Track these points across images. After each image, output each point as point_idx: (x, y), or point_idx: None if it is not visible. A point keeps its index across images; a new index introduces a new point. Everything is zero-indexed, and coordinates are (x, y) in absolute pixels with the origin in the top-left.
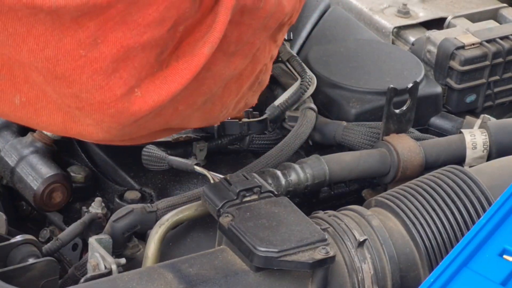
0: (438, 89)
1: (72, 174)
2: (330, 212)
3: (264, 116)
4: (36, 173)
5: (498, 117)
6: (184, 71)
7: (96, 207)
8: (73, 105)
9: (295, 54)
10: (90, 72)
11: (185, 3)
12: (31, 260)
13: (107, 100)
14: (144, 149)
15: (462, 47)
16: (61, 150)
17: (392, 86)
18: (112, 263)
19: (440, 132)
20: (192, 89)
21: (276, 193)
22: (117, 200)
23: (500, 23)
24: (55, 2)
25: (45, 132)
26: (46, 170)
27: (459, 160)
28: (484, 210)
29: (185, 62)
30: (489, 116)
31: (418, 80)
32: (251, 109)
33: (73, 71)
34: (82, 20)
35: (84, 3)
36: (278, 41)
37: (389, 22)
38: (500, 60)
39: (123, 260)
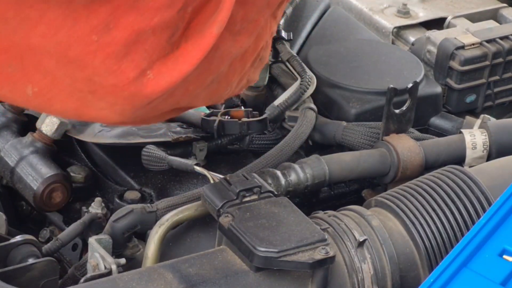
0: (438, 89)
1: (72, 174)
2: (330, 212)
3: (264, 116)
4: (36, 173)
5: (498, 117)
6: (194, 52)
7: (96, 207)
8: (85, 89)
9: (295, 54)
10: (102, 57)
11: None
12: (31, 260)
13: (120, 84)
14: (144, 149)
15: (462, 47)
16: (61, 150)
17: (392, 86)
18: (112, 263)
19: (440, 132)
20: (202, 69)
21: (276, 193)
22: (117, 200)
23: (500, 23)
24: None
25: (45, 132)
26: (46, 170)
27: (459, 160)
28: (484, 210)
29: (195, 43)
30: (489, 116)
31: (418, 80)
32: (250, 109)
33: (85, 56)
34: (94, 5)
35: None
36: (278, 17)
37: (389, 22)
38: (500, 60)
39: (123, 260)
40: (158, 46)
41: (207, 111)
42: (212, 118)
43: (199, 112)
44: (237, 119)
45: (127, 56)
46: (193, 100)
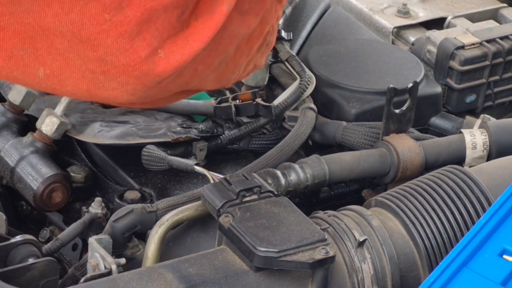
0: (438, 89)
1: (72, 174)
2: (330, 212)
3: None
4: (36, 173)
5: (498, 117)
6: (204, 30)
7: (96, 207)
8: (97, 70)
9: (294, 54)
10: (115, 36)
11: None
12: (31, 260)
13: (132, 63)
14: (144, 149)
15: (462, 47)
16: (61, 150)
17: (392, 86)
18: (112, 263)
19: (440, 132)
20: (210, 49)
21: (276, 193)
22: (117, 200)
23: (500, 23)
24: None
25: (45, 132)
26: (46, 170)
27: (459, 160)
28: (484, 210)
29: (205, 21)
30: (489, 116)
31: (418, 80)
32: (256, 89)
33: (98, 35)
34: None
35: None
36: (283, 1)
37: (389, 22)
38: (500, 60)
39: (123, 260)
40: (169, 24)
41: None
42: (225, 104)
43: (209, 101)
44: (250, 101)
45: (139, 35)
46: (202, 82)
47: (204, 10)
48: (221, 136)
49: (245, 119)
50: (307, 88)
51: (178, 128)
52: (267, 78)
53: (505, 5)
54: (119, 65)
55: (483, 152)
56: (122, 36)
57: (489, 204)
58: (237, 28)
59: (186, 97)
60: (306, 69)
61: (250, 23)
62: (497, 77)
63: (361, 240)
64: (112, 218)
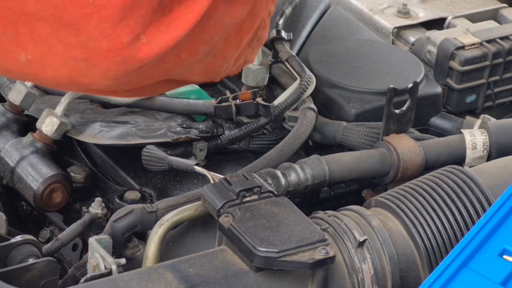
0: (438, 89)
1: (72, 174)
2: (330, 212)
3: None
4: (36, 173)
5: (498, 117)
6: (187, 16)
7: (96, 207)
8: (79, 57)
9: (294, 54)
10: (97, 20)
11: None
12: (31, 260)
13: (114, 48)
14: (144, 149)
15: (462, 47)
16: (61, 150)
17: (392, 86)
18: (112, 263)
19: (440, 132)
20: (194, 36)
21: (276, 193)
22: (117, 200)
23: (500, 23)
24: None
25: (45, 132)
26: (46, 170)
27: (459, 160)
28: (484, 210)
29: (188, 7)
30: (489, 116)
31: (418, 80)
32: (256, 89)
33: (80, 19)
34: None
35: None
36: None
37: (389, 22)
38: (500, 60)
39: (123, 260)
40: (152, 10)
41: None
42: (225, 104)
43: (209, 101)
44: (250, 100)
45: (123, 20)
46: (187, 71)
47: None
48: (221, 136)
49: (245, 119)
50: (307, 88)
51: (178, 128)
52: (267, 78)
53: (505, 5)
54: (101, 51)
55: (483, 152)
56: (105, 20)
57: (489, 204)
58: (223, 16)
59: (172, 88)
60: (306, 69)
61: (236, 12)
62: (497, 77)
63: (361, 240)
64: (112, 218)
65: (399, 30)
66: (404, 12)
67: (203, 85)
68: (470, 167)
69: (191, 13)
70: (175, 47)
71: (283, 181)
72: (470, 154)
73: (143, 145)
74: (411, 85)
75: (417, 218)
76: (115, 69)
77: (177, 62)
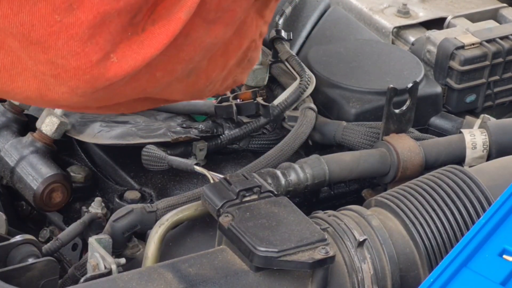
0: (438, 89)
1: (72, 174)
2: (330, 212)
3: (269, 104)
4: (36, 173)
5: (498, 117)
6: (160, 36)
7: (96, 207)
8: (48, 73)
9: (294, 54)
10: (66, 38)
11: None
12: (31, 260)
13: (83, 66)
14: (144, 149)
15: (462, 47)
16: (61, 150)
17: (392, 86)
18: (112, 263)
19: (440, 132)
20: (169, 55)
21: (276, 193)
22: (117, 200)
23: (500, 23)
24: None
25: (45, 132)
26: (46, 170)
27: (459, 160)
28: (484, 210)
29: (162, 27)
30: (489, 116)
31: (418, 80)
32: (256, 88)
33: (48, 37)
34: None
35: None
36: (266, 17)
37: (389, 22)
38: (500, 60)
39: (123, 260)
40: (122, 28)
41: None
42: (226, 103)
43: (210, 101)
44: (251, 100)
45: (92, 39)
46: (165, 91)
47: (162, 15)
48: (221, 136)
49: (245, 119)
50: (307, 88)
51: (178, 128)
52: (267, 78)
53: (505, 5)
54: (70, 69)
55: (483, 152)
56: (73, 38)
57: (489, 204)
58: (202, 36)
59: (152, 107)
60: (306, 69)
61: (218, 32)
62: (497, 77)
63: (361, 240)
64: (112, 218)
65: (399, 30)
66: (404, 12)
67: None
68: (470, 167)
69: (165, 33)
70: (149, 66)
71: (283, 181)
72: (470, 154)
73: (143, 145)
74: (411, 85)
75: (417, 218)
76: (84, 86)
77: (152, 81)
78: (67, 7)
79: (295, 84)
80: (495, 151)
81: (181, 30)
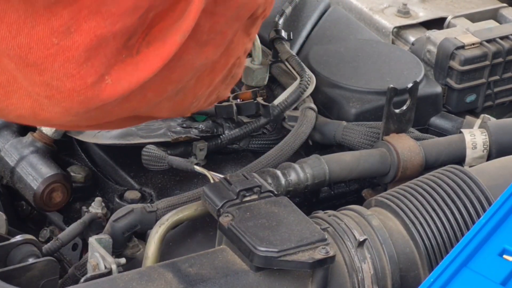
0: (438, 89)
1: (72, 174)
2: (330, 212)
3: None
4: (36, 173)
5: (498, 117)
6: (155, 58)
7: (96, 207)
8: (42, 94)
9: (294, 54)
10: (62, 60)
11: None
12: (31, 260)
13: (78, 88)
14: (144, 149)
15: (462, 47)
16: (61, 150)
17: (392, 86)
18: (112, 263)
19: (440, 132)
20: (162, 77)
21: (276, 193)
22: (117, 200)
23: (500, 23)
24: None
25: (45, 131)
26: (46, 170)
27: (459, 160)
28: (484, 210)
29: (156, 49)
30: (489, 116)
31: (418, 80)
32: (256, 88)
33: (45, 59)
34: (56, 8)
35: None
36: (252, 34)
37: (389, 22)
38: (500, 60)
39: (123, 260)
40: (117, 51)
41: None
42: (226, 103)
43: None
44: (251, 100)
45: (88, 61)
46: (154, 109)
47: (157, 37)
48: (221, 136)
49: (245, 119)
50: (307, 88)
51: (178, 128)
52: (267, 78)
53: (505, 5)
54: (64, 90)
55: (483, 152)
56: (70, 61)
57: (489, 204)
58: (194, 58)
59: (138, 124)
60: (306, 69)
61: (209, 54)
62: (497, 77)
63: (361, 240)
64: (112, 218)
65: (399, 30)
66: (404, 11)
67: None
68: (470, 166)
69: (159, 56)
70: (141, 87)
71: (283, 180)
72: (470, 154)
73: (143, 145)
74: (411, 84)
75: (417, 218)
76: (77, 107)
77: (143, 101)
78: (65, 30)
79: (295, 84)
80: (495, 151)
81: (175, 53)
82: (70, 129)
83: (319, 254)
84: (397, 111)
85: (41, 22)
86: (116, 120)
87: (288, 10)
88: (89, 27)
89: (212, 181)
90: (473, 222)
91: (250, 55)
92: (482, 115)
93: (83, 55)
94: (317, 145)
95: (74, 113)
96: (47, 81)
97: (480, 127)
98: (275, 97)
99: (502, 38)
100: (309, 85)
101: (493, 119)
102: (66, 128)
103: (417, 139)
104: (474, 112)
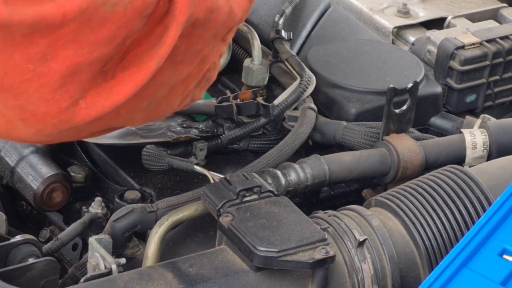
0: (438, 89)
1: (72, 174)
2: (330, 212)
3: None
4: (36, 173)
5: (498, 117)
6: (129, 84)
7: (96, 207)
8: (16, 116)
9: (294, 54)
10: (37, 86)
11: (136, 21)
12: (31, 260)
13: (52, 112)
14: (144, 149)
15: (462, 47)
16: (61, 150)
17: (392, 86)
18: (112, 263)
19: (440, 132)
20: (136, 96)
21: (276, 193)
22: (117, 200)
23: (500, 23)
24: (10, 18)
25: None
26: (46, 170)
27: (459, 160)
28: (484, 210)
29: (131, 74)
30: (489, 116)
31: (418, 80)
32: (256, 88)
33: (20, 84)
34: (33, 37)
35: (37, 21)
36: (228, 40)
37: (389, 22)
38: (500, 60)
39: (123, 260)
40: (92, 76)
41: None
42: (226, 103)
43: (210, 100)
44: (251, 100)
45: (62, 87)
46: (127, 121)
47: (133, 62)
48: (221, 136)
49: (245, 119)
50: (307, 88)
51: (178, 128)
52: (267, 78)
53: (505, 5)
54: (39, 114)
55: (483, 152)
56: (45, 86)
57: (489, 204)
58: (169, 77)
59: (109, 132)
60: (306, 69)
61: (183, 71)
62: (497, 77)
63: (361, 240)
64: (112, 218)
65: (399, 30)
66: (404, 11)
67: None
68: (470, 166)
69: (134, 81)
70: (115, 108)
71: (283, 180)
72: (470, 154)
73: (143, 145)
74: (411, 84)
75: (417, 218)
76: (50, 129)
77: (116, 117)
78: (41, 58)
79: (295, 84)
80: (495, 151)
81: (150, 78)
82: (41, 143)
83: (319, 254)
84: (397, 111)
85: (18, 50)
86: (89, 134)
87: (288, 10)
88: (65, 55)
89: (212, 181)
90: (473, 222)
91: (250, 55)
92: (482, 115)
93: (58, 81)
94: (317, 145)
95: (47, 134)
96: (21, 105)
97: (480, 127)
98: (275, 97)
99: (502, 38)
100: (309, 85)
101: (493, 119)
102: (38, 143)
103: (417, 139)
104: (474, 112)
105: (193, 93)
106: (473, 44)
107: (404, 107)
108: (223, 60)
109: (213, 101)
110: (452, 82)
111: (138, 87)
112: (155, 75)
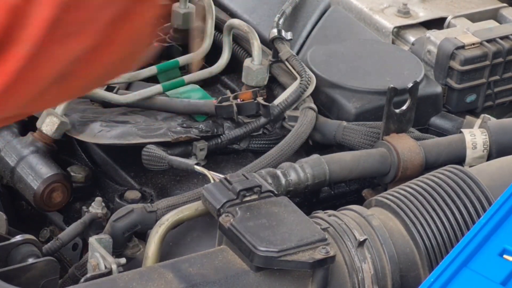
0: (438, 89)
1: (72, 174)
2: (330, 212)
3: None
4: (36, 173)
5: (498, 117)
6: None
7: (96, 207)
8: None
9: (294, 54)
10: None
11: None
12: (31, 260)
13: None
14: (144, 149)
15: (462, 47)
16: (61, 150)
17: (392, 85)
18: (112, 263)
19: (440, 132)
20: (23, 78)
21: (276, 193)
22: (117, 200)
23: (500, 23)
24: None
25: (45, 131)
26: (46, 170)
27: (459, 160)
28: (484, 210)
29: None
30: (489, 116)
31: (418, 80)
32: (257, 88)
33: None
34: None
35: None
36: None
37: (389, 22)
38: (500, 60)
39: (123, 260)
40: None
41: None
42: (226, 103)
43: (210, 100)
44: (251, 100)
45: None
46: (29, 106)
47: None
48: (221, 136)
49: (245, 119)
50: (307, 88)
51: (178, 128)
52: (267, 78)
53: (505, 5)
54: None
55: (483, 152)
56: None
57: (489, 204)
58: (61, 51)
59: (22, 118)
60: (307, 69)
61: (74, 49)
62: (497, 77)
63: (361, 240)
64: (112, 218)
65: (399, 30)
66: (404, 11)
67: (202, 85)
68: (470, 166)
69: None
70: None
71: (283, 180)
72: (470, 154)
73: (143, 145)
74: (411, 84)
75: (417, 218)
76: None
77: (12, 102)
78: None
79: (295, 84)
80: (495, 151)
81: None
82: None
83: (319, 254)
84: (397, 111)
85: None
86: None
87: (288, 10)
88: None
89: (212, 181)
90: (473, 222)
91: (250, 55)
92: (482, 115)
93: None
94: (317, 145)
95: None
96: None
97: (480, 127)
98: (275, 97)
99: (502, 38)
100: (309, 85)
101: (493, 119)
102: None
103: (417, 139)
104: (474, 112)
105: (126, 59)
106: (473, 44)
107: (404, 107)
108: (223, 60)
109: (213, 101)
110: (452, 82)
111: (8, 80)
112: (40, 52)
